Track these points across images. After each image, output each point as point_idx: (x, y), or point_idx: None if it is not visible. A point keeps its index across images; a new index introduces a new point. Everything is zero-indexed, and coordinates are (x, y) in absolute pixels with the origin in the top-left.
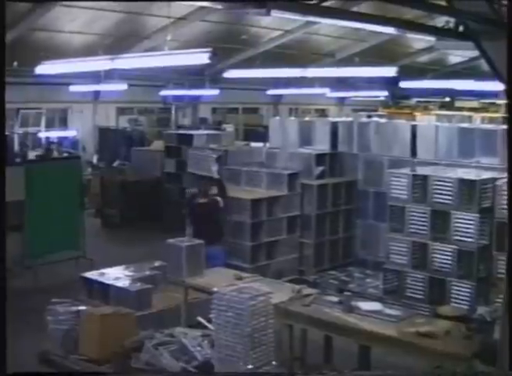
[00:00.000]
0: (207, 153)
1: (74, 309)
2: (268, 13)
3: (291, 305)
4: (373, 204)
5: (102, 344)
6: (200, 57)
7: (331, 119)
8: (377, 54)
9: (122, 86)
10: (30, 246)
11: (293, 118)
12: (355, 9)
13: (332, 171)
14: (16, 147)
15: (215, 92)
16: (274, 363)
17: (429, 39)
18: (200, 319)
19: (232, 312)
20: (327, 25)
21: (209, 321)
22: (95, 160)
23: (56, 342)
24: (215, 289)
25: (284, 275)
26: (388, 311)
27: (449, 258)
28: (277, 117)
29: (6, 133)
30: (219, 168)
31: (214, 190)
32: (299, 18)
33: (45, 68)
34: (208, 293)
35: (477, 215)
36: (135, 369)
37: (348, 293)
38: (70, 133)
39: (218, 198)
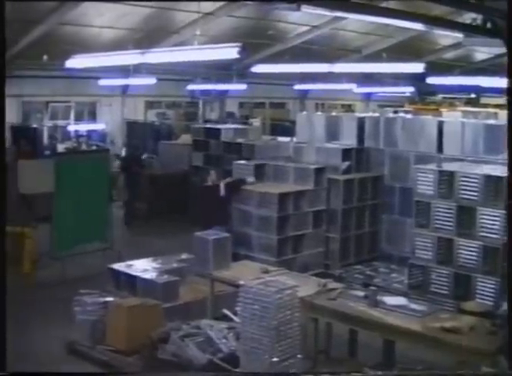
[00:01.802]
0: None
1: (102, 300)
2: (298, 8)
3: (317, 299)
4: (398, 200)
5: (130, 335)
6: (229, 52)
7: (358, 114)
8: (404, 50)
9: (151, 80)
10: (59, 237)
11: (320, 113)
12: (383, 4)
13: (358, 166)
14: (46, 140)
15: (243, 86)
16: (299, 356)
17: (456, 35)
18: (226, 311)
19: (259, 305)
20: (354, 21)
21: (235, 314)
22: (123, 153)
23: (84, 333)
24: (242, 282)
25: (310, 269)
26: (413, 306)
27: (474, 253)
28: (304, 112)
29: (36, 126)
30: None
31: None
32: (327, 13)
33: (74, 62)
34: (234, 286)
35: (504, 211)
36: (161, 360)
37: (374, 287)
38: (98, 126)
39: (220, 184)
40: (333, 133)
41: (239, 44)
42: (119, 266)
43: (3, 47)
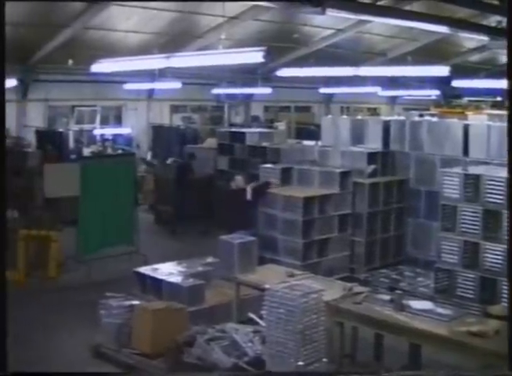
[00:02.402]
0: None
1: (127, 303)
2: (323, 12)
3: (342, 303)
4: (424, 203)
5: (155, 338)
6: (254, 56)
7: (383, 118)
8: (429, 53)
9: (176, 84)
10: (84, 241)
11: (345, 117)
12: (407, 7)
13: (384, 170)
14: (71, 144)
15: (268, 90)
16: (324, 360)
17: (481, 38)
18: (251, 315)
19: (284, 308)
20: (379, 24)
21: (260, 317)
22: (148, 157)
23: (109, 336)
24: (267, 286)
25: (335, 273)
26: (439, 310)
27: (501, 257)
28: (329, 116)
29: (62, 130)
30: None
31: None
32: (352, 17)
33: (100, 66)
34: (260, 289)
35: None
36: (186, 363)
37: (399, 291)
38: (124, 130)
39: (248, 188)
40: (358, 137)
41: (264, 48)
42: (145, 270)
43: (3, 47)
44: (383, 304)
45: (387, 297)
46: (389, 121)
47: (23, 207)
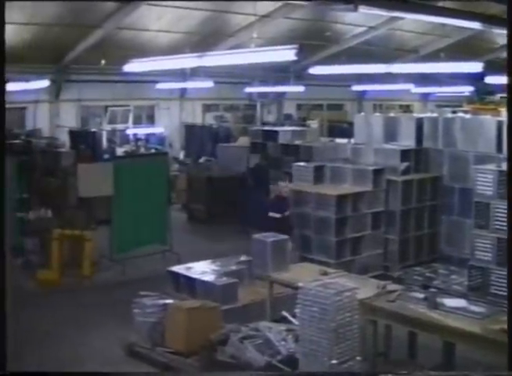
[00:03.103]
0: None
1: (161, 302)
2: (355, 9)
3: (376, 301)
4: (458, 200)
5: (189, 337)
6: (286, 54)
7: (416, 115)
8: (462, 49)
9: (208, 84)
10: (118, 240)
11: (377, 114)
12: (440, 4)
13: (417, 167)
14: (105, 144)
15: (300, 88)
16: (358, 358)
17: None
18: (284, 313)
19: (318, 307)
20: (411, 21)
21: (294, 316)
22: (181, 156)
23: (143, 335)
24: (300, 284)
25: (369, 271)
26: (473, 308)
27: None
28: (362, 113)
29: (95, 130)
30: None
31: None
32: (384, 14)
33: (132, 66)
34: (293, 288)
35: None
36: (220, 362)
37: (433, 289)
38: (157, 130)
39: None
40: (391, 134)
41: (296, 46)
42: (178, 268)
43: (3, 46)
44: (416, 302)
45: (420, 295)
46: (422, 118)
47: (57, 207)
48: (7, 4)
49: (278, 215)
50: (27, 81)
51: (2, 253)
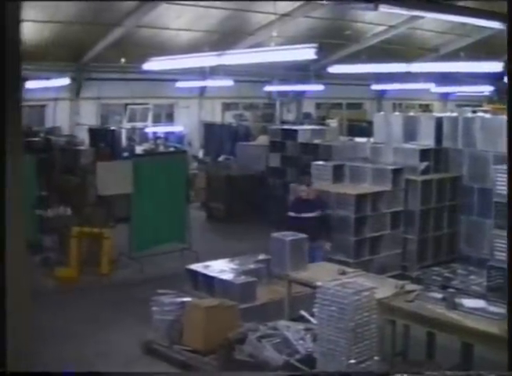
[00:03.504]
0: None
1: (179, 300)
2: (375, 8)
3: (394, 301)
4: (477, 200)
5: (207, 335)
6: (306, 53)
7: (436, 114)
8: (482, 49)
9: (228, 82)
10: (137, 238)
11: (397, 113)
12: (460, 3)
13: (436, 167)
14: (124, 142)
15: (320, 87)
16: (376, 358)
17: None
18: (303, 313)
19: (336, 306)
20: (431, 20)
21: (312, 315)
22: (200, 154)
23: (161, 332)
24: (319, 283)
25: (387, 270)
26: (492, 308)
27: None
28: (382, 113)
29: (114, 128)
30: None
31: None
32: (404, 13)
33: (152, 64)
34: (312, 287)
35: None
36: (238, 360)
37: (452, 290)
38: (176, 128)
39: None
40: (410, 133)
41: (316, 44)
42: (196, 267)
43: (3, 46)
44: (435, 302)
45: (439, 295)
46: (442, 117)
47: (76, 205)
48: (28, 3)
49: (309, 215)
50: (47, 78)
51: (2, 253)
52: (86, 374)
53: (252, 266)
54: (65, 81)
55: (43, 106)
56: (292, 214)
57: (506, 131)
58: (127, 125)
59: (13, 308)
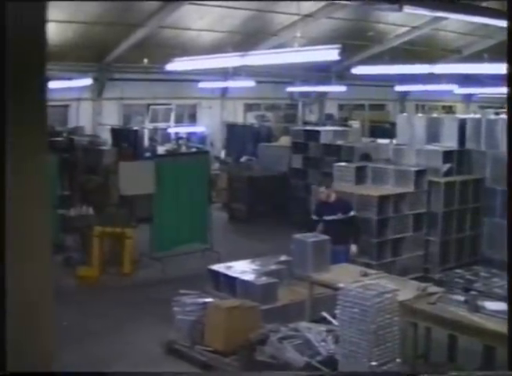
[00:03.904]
0: (349, 165)
1: (201, 300)
2: (400, 9)
3: (416, 303)
4: (500, 203)
5: (228, 336)
6: (329, 53)
7: (459, 116)
8: (505, 50)
9: (250, 83)
10: (158, 238)
11: (420, 115)
12: (484, 4)
13: (459, 169)
14: (146, 142)
15: (342, 88)
16: (398, 360)
17: None
18: (324, 314)
19: (358, 308)
20: (454, 21)
21: (333, 317)
22: (222, 155)
23: (183, 333)
24: (341, 285)
25: (409, 272)
26: None
27: None
28: (404, 114)
29: (136, 128)
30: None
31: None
32: (427, 14)
33: (175, 65)
34: (333, 289)
35: None
36: (259, 361)
37: (474, 292)
38: (198, 129)
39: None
40: (433, 135)
41: (339, 45)
42: (218, 267)
43: (2, 47)
44: (457, 305)
45: (461, 297)
46: (465, 119)
47: (98, 205)
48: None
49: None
50: (69, 79)
51: (2, 252)
52: (86, 374)
53: (273, 267)
54: (87, 81)
55: (66, 107)
56: (315, 217)
57: (506, 131)
58: (149, 126)
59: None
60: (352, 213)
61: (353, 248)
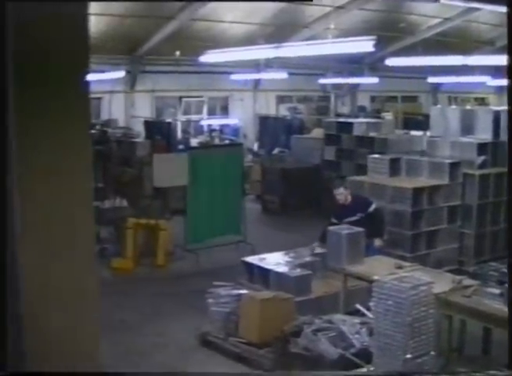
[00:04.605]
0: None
1: (235, 292)
2: (437, 0)
3: (451, 296)
4: None
5: (262, 328)
6: (364, 45)
7: (493, 108)
8: None
9: (282, 75)
10: (192, 230)
11: (454, 107)
12: None
13: (494, 161)
14: (179, 134)
15: (374, 80)
16: (432, 353)
17: None
18: (358, 306)
19: (393, 300)
20: (487, 12)
21: (368, 309)
22: (255, 147)
23: (217, 324)
24: (376, 277)
25: (444, 265)
26: None
27: None
28: (438, 106)
29: (169, 120)
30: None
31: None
32: (461, 4)
33: (208, 57)
34: (368, 281)
35: None
36: (293, 354)
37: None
38: (231, 121)
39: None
40: (467, 127)
41: (374, 37)
42: (252, 259)
43: (3, 47)
44: (492, 298)
45: (496, 290)
46: (499, 111)
47: (132, 197)
48: None
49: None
50: (102, 71)
51: (3, 251)
52: (86, 374)
53: (307, 259)
54: (120, 73)
55: (99, 99)
56: (334, 220)
57: (507, 131)
58: (182, 118)
59: (85, 306)
60: (373, 207)
61: (377, 242)
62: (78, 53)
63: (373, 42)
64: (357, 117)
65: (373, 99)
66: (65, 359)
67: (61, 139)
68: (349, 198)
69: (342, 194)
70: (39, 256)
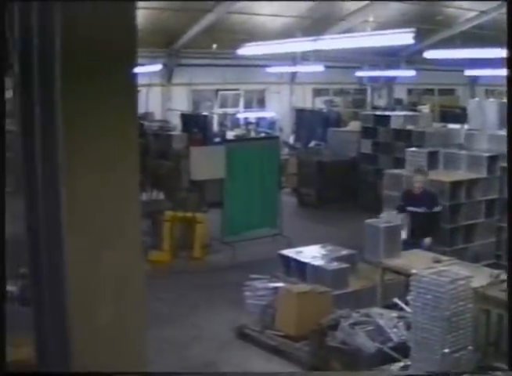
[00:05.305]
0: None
1: (272, 285)
2: None
3: (489, 290)
4: None
5: (299, 321)
6: (404, 37)
7: None
8: None
9: (318, 68)
10: (229, 223)
11: (492, 100)
12: None
13: None
14: (216, 127)
15: (411, 72)
16: (470, 347)
17: None
18: (396, 300)
19: (431, 294)
20: None
21: (405, 303)
22: (291, 140)
23: (253, 317)
24: (414, 271)
25: (481, 259)
26: None
27: None
28: (476, 99)
29: (206, 113)
30: None
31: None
32: None
33: (245, 50)
34: (405, 275)
35: None
36: (330, 347)
37: None
38: (267, 114)
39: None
40: (505, 120)
41: (413, 29)
42: (288, 252)
43: (3, 47)
44: None
45: None
46: None
47: (169, 189)
48: None
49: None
50: (140, 65)
51: (2, 251)
52: (86, 374)
53: (344, 252)
54: (157, 67)
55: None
56: (401, 203)
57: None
58: (218, 111)
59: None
60: (438, 208)
61: (427, 240)
62: (127, 45)
63: (412, 35)
64: (393, 109)
65: (409, 91)
66: (113, 352)
67: (111, 131)
68: (421, 189)
69: (418, 182)
70: (89, 245)
